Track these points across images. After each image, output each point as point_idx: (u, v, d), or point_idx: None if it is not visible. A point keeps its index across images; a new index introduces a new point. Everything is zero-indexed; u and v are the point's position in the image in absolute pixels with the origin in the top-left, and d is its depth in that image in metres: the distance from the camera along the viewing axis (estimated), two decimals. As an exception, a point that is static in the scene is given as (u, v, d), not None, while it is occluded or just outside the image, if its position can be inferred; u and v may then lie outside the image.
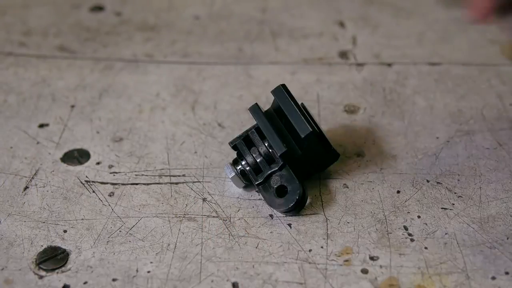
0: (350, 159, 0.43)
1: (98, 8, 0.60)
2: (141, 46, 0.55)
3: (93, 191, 0.41)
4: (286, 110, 0.39)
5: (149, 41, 0.56)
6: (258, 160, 0.40)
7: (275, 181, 0.39)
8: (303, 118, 0.39)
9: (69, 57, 0.54)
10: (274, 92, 0.40)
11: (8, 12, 0.60)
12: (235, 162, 0.41)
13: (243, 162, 0.41)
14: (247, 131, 0.41)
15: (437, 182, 0.41)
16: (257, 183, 0.40)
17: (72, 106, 0.48)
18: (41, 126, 0.46)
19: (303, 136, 0.38)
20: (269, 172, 0.39)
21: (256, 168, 0.40)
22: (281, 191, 0.39)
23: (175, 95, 0.49)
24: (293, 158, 0.39)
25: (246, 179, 0.41)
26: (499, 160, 0.43)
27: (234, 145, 0.41)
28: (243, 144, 0.41)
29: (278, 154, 0.39)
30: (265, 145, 0.40)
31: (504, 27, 0.56)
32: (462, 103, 0.48)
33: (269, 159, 0.40)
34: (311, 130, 0.38)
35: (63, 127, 0.46)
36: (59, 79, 0.51)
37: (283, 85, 0.40)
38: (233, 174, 0.40)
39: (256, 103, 0.41)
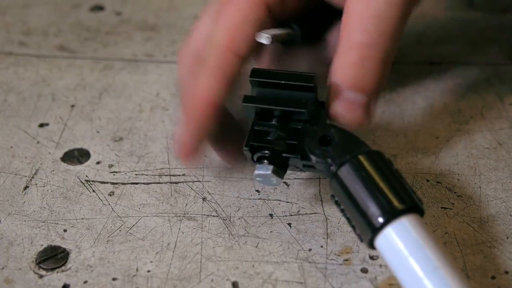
0: (350, 159, 0.43)
1: (98, 8, 0.61)
2: (141, 46, 0.55)
3: (93, 191, 0.41)
4: (278, 78, 0.35)
5: (149, 41, 0.56)
6: (284, 136, 0.35)
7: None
8: (299, 72, 0.35)
9: (69, 57, 0.54)
10: (252, 75, 0.36)
11: (8, 12, 0.60)
12: (259, 160, 0.35)
13: (267, 152, 0.34)
14: (251, 128, 0.36)
15: (437, 182, 0.41)
16: (300, 156, 0.34)
17: (72, 106, 0.48)
18: (41, 125, 0.46)
19: (312, 84, 0.34)
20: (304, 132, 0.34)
21: (288, 146, 0.35)
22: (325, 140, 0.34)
23: (175, 94, 0.49)
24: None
25: (282, 166, 0.35)
26: (499, 159, 0.43)
27: (251, 146, 0.35)
28: (256, 139, 0.35)
29: (307, 110, 0.34)
30: (279, 120, 0.35)
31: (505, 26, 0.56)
32: (462, 102, 0.48)
33: (291, 131, 0.35)
34: (315, 74, 0.34)
35: (63, 127, 0.46)
36: (59, 78, 0.51)
37: (254, 69, 0.36)
38: (271, 167, 0.34)
39: (245, 95, 0.36)
